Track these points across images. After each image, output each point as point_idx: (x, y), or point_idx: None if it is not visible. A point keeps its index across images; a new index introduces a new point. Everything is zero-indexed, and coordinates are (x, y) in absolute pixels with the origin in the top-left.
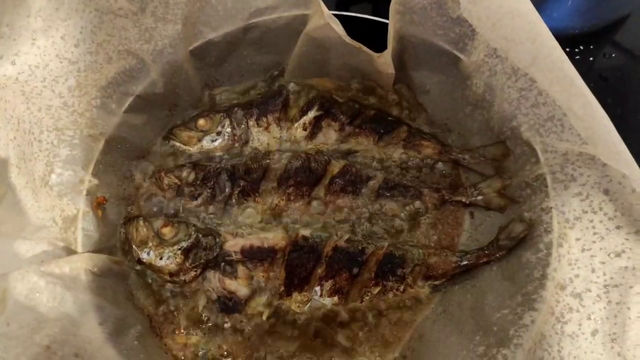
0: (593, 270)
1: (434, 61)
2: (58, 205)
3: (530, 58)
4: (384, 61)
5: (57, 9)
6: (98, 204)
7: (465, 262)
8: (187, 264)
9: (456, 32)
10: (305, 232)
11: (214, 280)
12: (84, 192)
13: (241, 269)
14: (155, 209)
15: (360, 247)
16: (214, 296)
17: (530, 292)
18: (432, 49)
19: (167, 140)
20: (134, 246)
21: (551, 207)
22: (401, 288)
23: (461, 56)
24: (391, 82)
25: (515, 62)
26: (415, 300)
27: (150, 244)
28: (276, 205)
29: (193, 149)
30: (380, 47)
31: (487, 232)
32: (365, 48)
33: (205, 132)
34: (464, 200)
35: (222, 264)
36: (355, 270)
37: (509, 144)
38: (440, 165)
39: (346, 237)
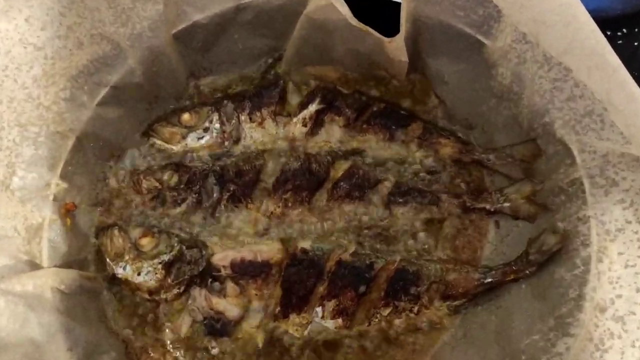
0: (638, 290)
1: (454, 47)
2: (21, 212)
3: (564, 44)
4: (396, 47)
5: None
6: (67, 211)
7: (489, 280)
8: (169, 280)
9: (479, 14)
10: (305, 243)
11: (200, 298)
12: (51, 198)
13: (231, 286)
14: (132, 217)
15: (368, 262)
16: (200, 317)
17: (564, 315)
18: (451, 32)
19: (147, 138)
20: (108, 260)
21: (589, 217)
22: (415, 309)
23: (485, 41)
24: (404, 71)
25: (547, 49)
26: (432, 323)
27: (127, 257)
28: (271, 212)
29: (176, 148)
30: (391, 30)
31: (514, 245)
32: (373, 32)
33: (191, 128)
34: (488, 207)
35: (209, 280)
36: (363, 288)
37: (540, 143)
38: (460, 166)
39: (352, 249)
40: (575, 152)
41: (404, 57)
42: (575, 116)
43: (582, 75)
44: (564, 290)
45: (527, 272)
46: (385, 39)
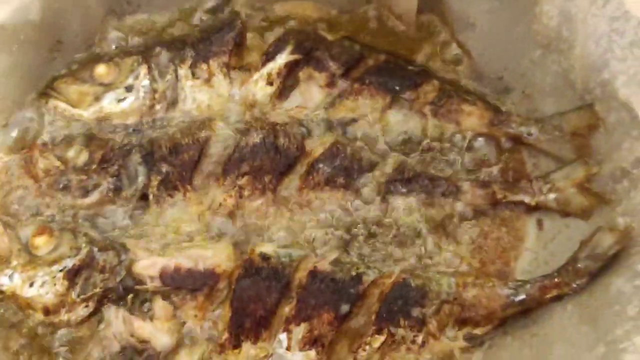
0: None
1: None
2: None
3: None
4: None
5: None
6: None
7: (522, 297)
8: (72, 295)
9: None
10: (267, 247)
11: (117, 322)
12: None
13: (160, 305)
14: (23, 208)
15: (354, 273)
16: (116, 348)
17: (618, 339)
18: None
19: (45, 99)
20: None
21: None
22: (419, 339)
23: None
24: (413, 10)
25: None
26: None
27: (15, 263)
28: (220, 204)
29: (87, 113)
30: None
31: (562, 253)
32: None
33: (108, 86)
34: (527, 200)
35: (130, 296)
36: (345, 309)
37: (598, 109)
38: (491, 144)
39: (333, 256)
40: None
41: None
42: None
43: (637, 9)
44: (621, 308)
45: (575, 285)
46: None
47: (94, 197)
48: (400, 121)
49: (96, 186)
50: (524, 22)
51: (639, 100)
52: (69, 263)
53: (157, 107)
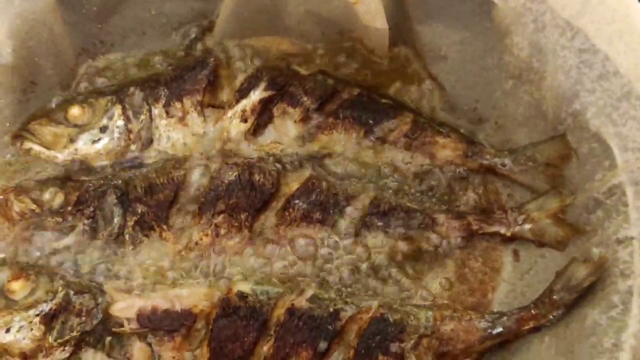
0: None
1: (454, 8)
2: None
3: (577, 2)
4: (367, 10)
5: None
6: None
7: (499, 330)
8: (50, 339)
9: None
10: (244, 286)
11: None
12: None
13: (138, 348)
14: None
15: (332, 309)
16: None
17: None
18: None
19: (20, 142)
20: None
21: (632, 238)
22: None
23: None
24: (385, 43)
25: (556, 9)
26: None
27: None
28: (196, 243)
29: (61, 155)
30: None
31: (538, 283)
32: None
33: (82, 128)
34: (503, 231)
35: (108, 338)
36: (323, 346)
37: (570, 140)
38: (465, 175)
39: (310, 292)
40: (615, 150)
41: (380, 23)
42: (611, 100)
43: (602, 43)
44: (597, 340)
45: (551, 317)
46: None
47: (69, 239)
48: (375, 155)
49: (72, 228)
50: (495, 54)
51: (609, 131)
52: (46, 307)
53: (132, 147)
